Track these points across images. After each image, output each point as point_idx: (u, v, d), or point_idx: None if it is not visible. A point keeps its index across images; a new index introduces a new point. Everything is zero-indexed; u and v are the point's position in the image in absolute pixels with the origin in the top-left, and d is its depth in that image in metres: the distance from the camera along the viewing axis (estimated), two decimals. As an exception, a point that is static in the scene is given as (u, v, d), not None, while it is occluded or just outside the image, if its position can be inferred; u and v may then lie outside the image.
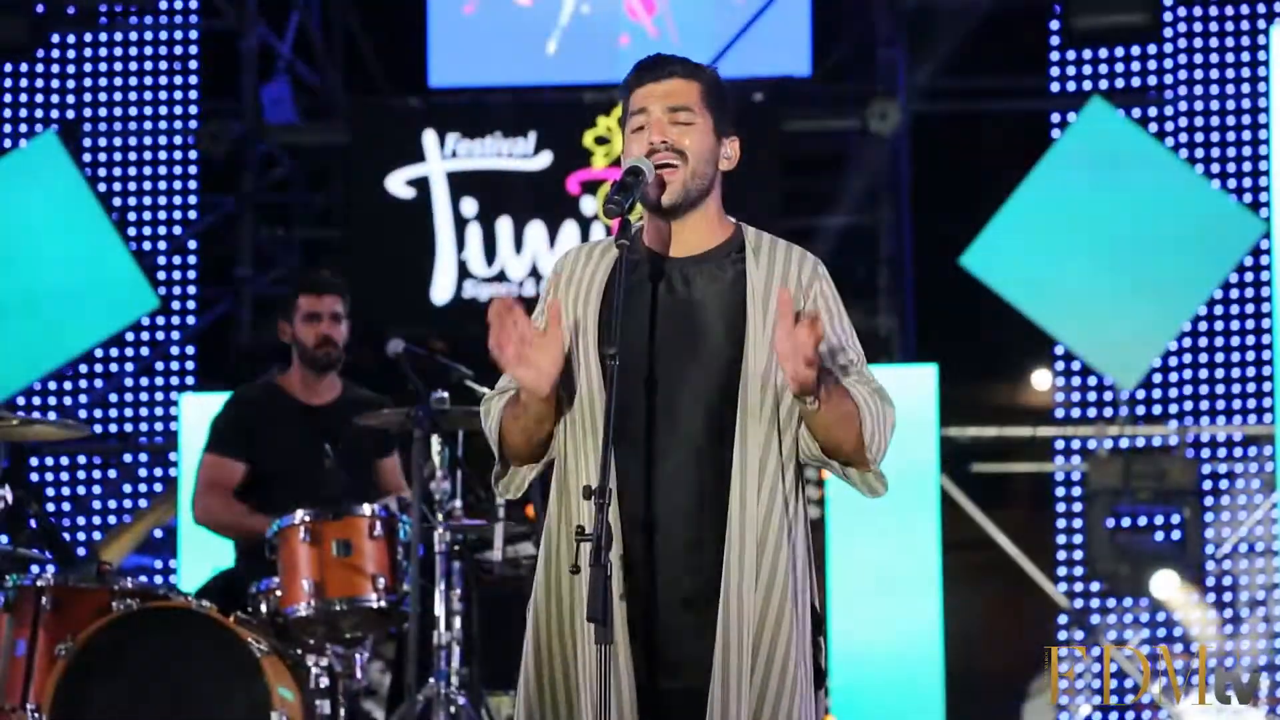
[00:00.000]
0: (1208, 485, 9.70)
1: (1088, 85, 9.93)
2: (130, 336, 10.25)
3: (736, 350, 3.81)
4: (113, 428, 10.30)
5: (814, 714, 3.84)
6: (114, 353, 10.27)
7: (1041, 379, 10.87)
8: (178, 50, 10.42)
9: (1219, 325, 9.75)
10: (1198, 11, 9.87)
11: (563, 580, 3.83)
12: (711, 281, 3.88)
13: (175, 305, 10.32)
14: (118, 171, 10.36)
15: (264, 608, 6.14)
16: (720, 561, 3.76)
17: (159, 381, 10.32)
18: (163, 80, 10.40)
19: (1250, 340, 9.72)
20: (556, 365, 3.77)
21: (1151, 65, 9.96)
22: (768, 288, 3.84)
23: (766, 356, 3.78)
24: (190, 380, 10.27)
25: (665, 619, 3.77)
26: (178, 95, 10.40)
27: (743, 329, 3.82)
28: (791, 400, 3.76)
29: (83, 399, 10.22)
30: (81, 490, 10.24)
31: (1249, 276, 9.71)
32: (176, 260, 10.35)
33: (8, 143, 10.24)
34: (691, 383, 3.81)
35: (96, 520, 10.17)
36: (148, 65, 10.40)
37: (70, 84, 10.37)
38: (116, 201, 10.29)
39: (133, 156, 10.37)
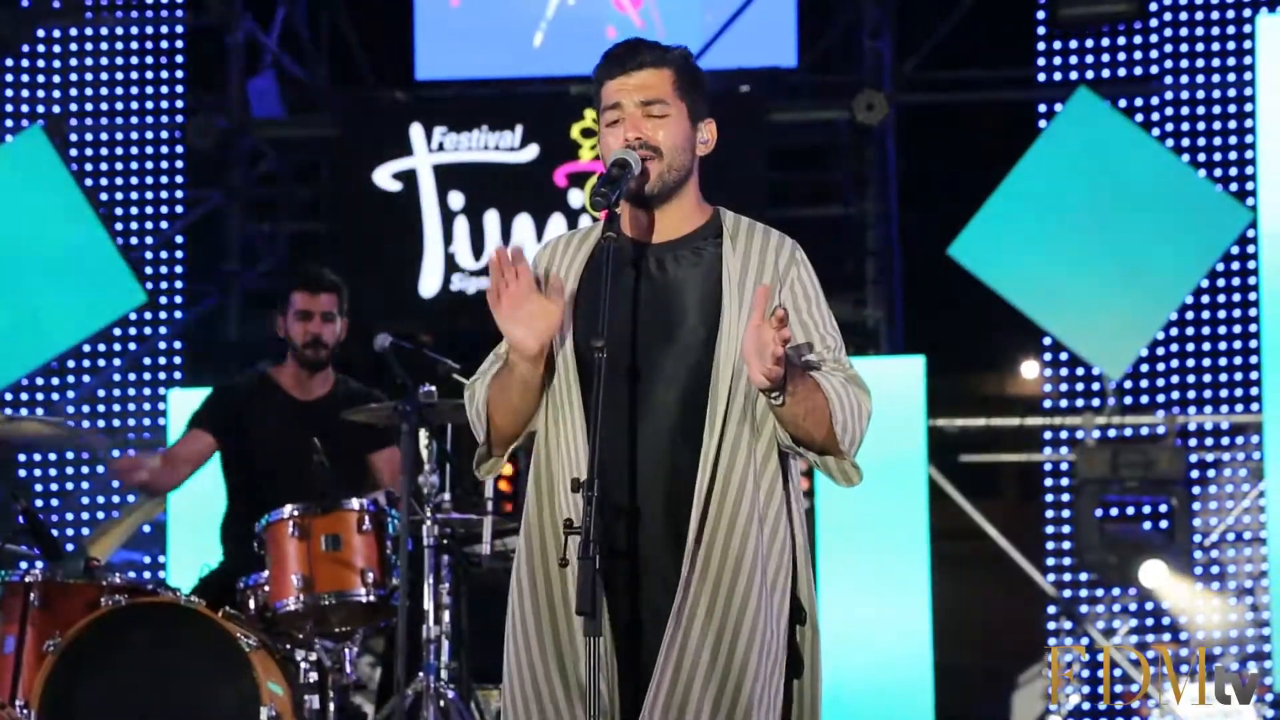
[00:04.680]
0: (1195, 474, 9.72)
1: (1074, 75, 9.93)
2: (118, 332, 10.24)
3: (711, 334, 3.81)
4: (101, 423, 10.29)
5: (786, 702, 3.83)
6: (102, 348, 10.26)
7: (1029, 369, 10.90)
8: (164, 44, 10.41)
9: (1206, 314, 9.76)
10: (1183, 1, 9.87)
11: (550, 568, 3.82)
12: (688, 265, 3.88)
13: (163, 300, 10.31)
14: (104, 166, 10.34)
15: (253, 602, 6.14)
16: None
17: (147, 377, 10.31)
18: (149, 74, 10.39)
19: (1237, 329, 9.73)
20: (550, 330, 3.76)
21: (1138, 55, 9.97)
22: (744, 272, 3.85)
23: (740, 341, 3.77)
24: (178, 375, 10.26)
25: (646, 605, 3.77)
26: (164, 89, 10.39)
27: (717, 313, 3.82)
28: None
29: (71, 394, 10.21)
30: (70, 486, 10.22)
31: (1235, 266, 9.72)
32: (164, 255, 10.34)
33: (-6, 137, 10.24)
34: (667, 367, 3.81)
35: (85, 516, 10.15)
36: (134, 60, 10.39)
37: (56, 78, 10.35)
38: (103, 196, 10.27)
39: (119, 151, 10.36)
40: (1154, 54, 9.92)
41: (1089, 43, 9.96)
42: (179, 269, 10.38)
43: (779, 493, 3.84)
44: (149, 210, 10.35)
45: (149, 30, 10.41)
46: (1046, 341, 9.88)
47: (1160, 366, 9.81)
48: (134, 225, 10.33)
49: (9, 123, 10.27)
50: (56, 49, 10.36)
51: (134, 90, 10.37)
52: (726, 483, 3.77)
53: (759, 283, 3.82)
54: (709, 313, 3.83)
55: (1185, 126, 9.82)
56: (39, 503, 9.94)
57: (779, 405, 3.71)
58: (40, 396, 10.18)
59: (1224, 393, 9.75)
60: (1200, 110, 9.83)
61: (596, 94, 3.92)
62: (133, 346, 10.30)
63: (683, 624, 3.73)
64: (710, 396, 3.78)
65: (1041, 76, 10.02)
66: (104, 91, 10.36)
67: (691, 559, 3.74)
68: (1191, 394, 9.77)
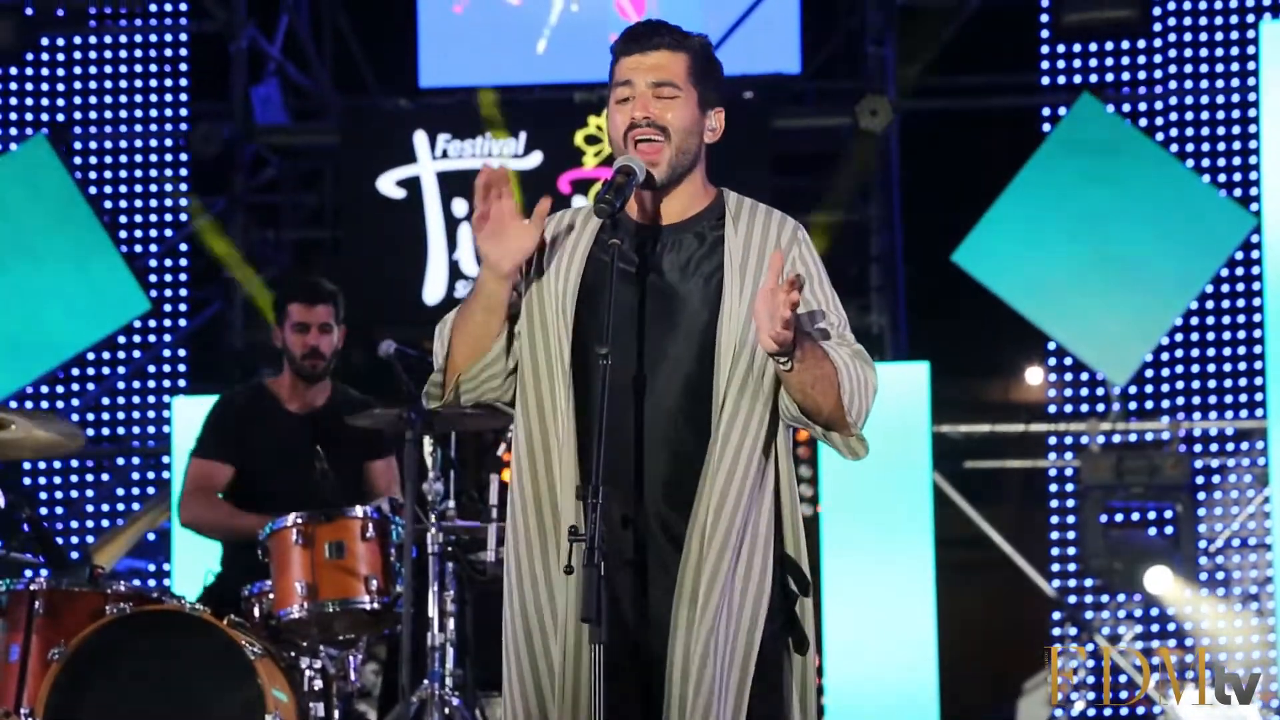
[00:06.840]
0: (1200, 480, 9.70)
1: (1078, 80, 9.93)
2: (122, 339, 10.24)
3: (714, 317, 3.81)
4: (105, 431, 10.29)
5: (783, 674, 3.84)
6: (106, 356, 10.26)
7: (1034, 375, 10.88)
8: (167, 52, 10.41)
9: (1210, 320, 9.76)
10: (1187, 6, 9.87)
11: (535, 566, 3.83)
12: (691, 249, 3.88)
13: (166, 308, 10.31)
14: (108, 174, 10.35)
15: (257, 610, 6.14)
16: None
17: (151, 384, 10.31)
18: (153, 82, 10.39)
19: (1241, 335, 9.72)
20: (525, 252, 3.79)
21: (1141, 60, 9.96)
22: (745, 253, 3.85)
23: (743, 324, 3.78)
24: (182, 383, 10.27)
25: (651, 595, 3.77)
26: (168, 97, 10.40)
27: (719, 296, 3.82)
28: (771, 366, 3.76)
29: (75, 402, 10.21)
30: (74, 494, 10.22)
31: (1239, 271, 9.71)
32: (168, 263, 10.34)
33: (-2, 146, 10.25)
34: (671, 351, 3.82)
35: (89, 524, 10.15)
36: (137, 67, 10.39)
37: (60, 86, 10.37)
38: (107, 204, 10.28)
39: (123, 159, 10.36)
40: (1158, 59, 9.92)
41: (1093, 48, 9.96)
42: (183, 276, 10.38)
43: (772, 463, 3.84)
44: (152, 218, 10.35)
45: (152, 38, 10.41)
46: (1051, 347, 9.87)
47: (1165, 372, 9.81)
48: (137, 233, 10.33)
49: (13, 131, 10.28)
50: (60, 57, 10.37)
51: (137, 98, 10.37)
52: (721, 459, 3.77)
53: (761, 263, 3.82)
54: (711, 297, 3.83)
55: (1189, 132, 9.82)
56: (43, 511, 9.94)
57: (787, 370, 3.70)
58: (45, 405, 10.18)
59: (1229, 398, 9.74)
60: (1204, 116, 9.83)
61: (611, 70, 3.93)
62: (137, 354, 10.30)
63: (685, 598, 3.74)
64: (714, 377, 3.79)
65: (1045, 81, 10.02)
66: (107, 99, 10.37)
67: (696, 536, 3.74)
68: (1196, 400, 9.76)
